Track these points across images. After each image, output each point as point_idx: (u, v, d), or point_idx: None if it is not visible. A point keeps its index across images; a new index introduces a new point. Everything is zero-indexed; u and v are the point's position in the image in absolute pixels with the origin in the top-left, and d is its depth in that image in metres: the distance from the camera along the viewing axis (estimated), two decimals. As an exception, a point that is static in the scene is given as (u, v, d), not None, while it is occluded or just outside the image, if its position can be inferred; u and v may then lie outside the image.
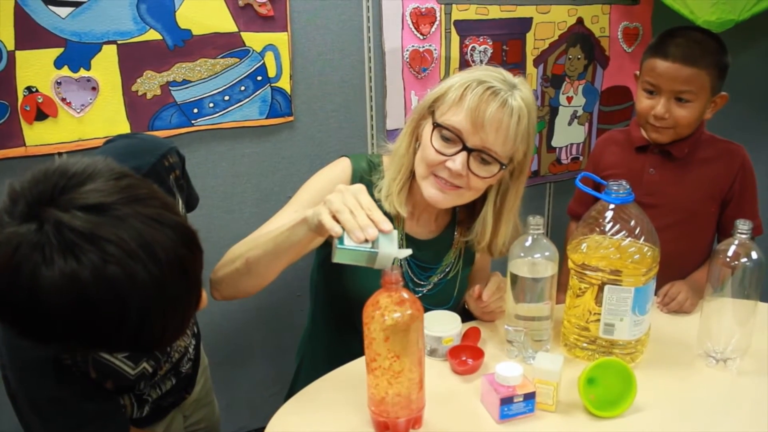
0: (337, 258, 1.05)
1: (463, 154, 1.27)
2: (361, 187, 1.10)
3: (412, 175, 1.38)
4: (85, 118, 1.64)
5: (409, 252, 1.09)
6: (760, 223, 1.68)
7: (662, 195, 1.67)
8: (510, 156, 1.31)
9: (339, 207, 1.05)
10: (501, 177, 1.36)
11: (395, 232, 1.06)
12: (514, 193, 1.40)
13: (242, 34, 1.76)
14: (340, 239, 1.04)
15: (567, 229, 1.94)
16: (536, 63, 2.20)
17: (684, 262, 1.65)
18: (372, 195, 1.33)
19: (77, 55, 1.60)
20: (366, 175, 1.40)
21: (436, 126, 1.29)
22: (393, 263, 1.04)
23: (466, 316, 1.46)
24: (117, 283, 0.73)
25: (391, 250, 1.04)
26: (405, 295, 1.03)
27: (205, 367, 1.46)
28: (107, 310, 0.74)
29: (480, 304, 1.37)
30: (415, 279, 1.45)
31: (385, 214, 1.30)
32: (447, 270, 1.48)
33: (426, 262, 1.46)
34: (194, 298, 0.85)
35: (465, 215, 1.49)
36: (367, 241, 1.03)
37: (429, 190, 1.33)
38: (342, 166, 1.41)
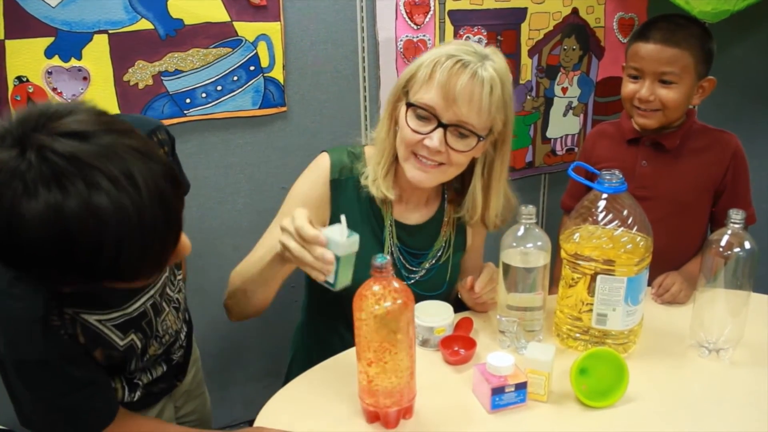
0: (339, 286, 1.11)
1: (440, 130, 1.27)
2: (296, 215, 1.11)
3: (396, 158, 1.38)
4: (77, 108, 1.63)
5: (356, 236, 1.10)
6: (754, 211, 1.68)
7: (655, 187, 1.66)
8: (488, 127, 1.31)
9: (294, 254, 1.10)
10: (484, 149, 1.36)
11: (332, 227, 1.10)
12: (500, 164, 1.40)
13: (234, 23, 1.75)
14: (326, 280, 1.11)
15: (560, 223, 1.93)
16: (531, 53, 2.19)
17: (678, 254, 1.64)
18: (359, 182, 1.39)
19: (68, 44, 1.59)
20: (347, 167, 1.41)
21: (410, 106, 1.29)
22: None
23: (459, 306, 1.45)
24: (99, 208, 0.75)
25: (343, 244, 1.08)
26: (395, 284, 1.03)
27: (197, 358, 1.46)
28: (87, 232, 0.75)
29: (472, 295, 1.37)
30: (407, 265, 1.45)
31: (374, 198, 1.38)
32: (439, 254, 1.48)
33: (417, 249, 1.46)
34: (173, 235, 0.86)
35: (454, 194, 1.49)
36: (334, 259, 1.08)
37: (411, 171, 1.33)
38: (320, 164, 1.42)
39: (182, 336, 1.30)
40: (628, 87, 1.63)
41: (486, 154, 1.38)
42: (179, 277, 1.25)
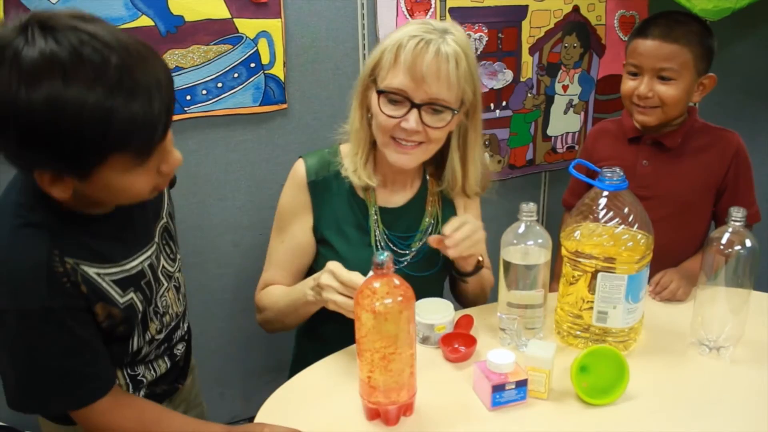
0: None
1: (414, 111, 1.29)
2: (335, 270, 1.18)
3: (374, 145, 1.41)
4: (77, 104, 1.62)
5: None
6: (758, 210, 1.67)
7: (656, 187, 1.66)
8: (459, 99, 1.33)
9: (343, 307, 1.17)
10: (459, 121, 1.38)
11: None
12: (473, 132, 1.42)
13: (235, 20, 1.74)
14: None
15: (562, 220, 1.92)
16: (532, 51, 2.19)
17: (679, 254, 1.64)
18: (338, 177, 1.43)
19: (68, 40, 1.58)
20: (323, 166, 1.44)
21: (381, 93, 1.31)
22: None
23: (459, 302, 1.45)
24: (100, 105, 0.82)
25: None
26: (396, 281, 1.03)
27: (194, 366, 1.45)
28: (83, 122, 0.82)
29: (444, 240, 1.33)
30: (397, 250, 1.46)
31: (355, 189, 1.42)
32: (429, 232, 1.48)
33: (404, 231, 1.47)
34: (160, 109, 0.91)
35: (434, 168, 1.51)
36: None
37: (393, 156, 1.35)
38: (295, 172, 1.46)
39: (183, 325, 1.30)
40: (628, 84, 1.63)
41: (460, 125, 1.40)
42: (179, 256, 1.25)
